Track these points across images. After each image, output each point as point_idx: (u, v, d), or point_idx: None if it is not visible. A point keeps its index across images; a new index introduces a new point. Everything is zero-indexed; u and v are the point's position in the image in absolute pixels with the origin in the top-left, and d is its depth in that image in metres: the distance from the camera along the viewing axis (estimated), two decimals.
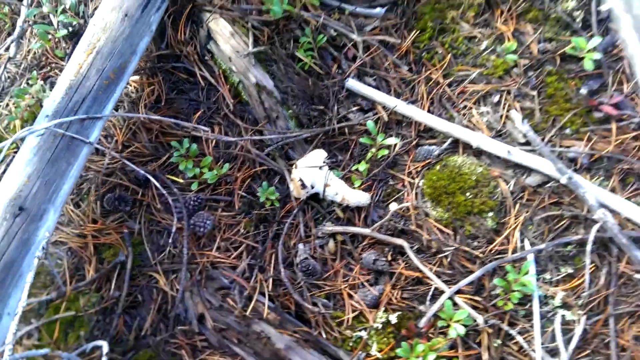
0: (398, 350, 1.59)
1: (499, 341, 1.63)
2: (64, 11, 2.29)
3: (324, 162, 1.82)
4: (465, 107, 1.97)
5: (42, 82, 2.17)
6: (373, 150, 1.93)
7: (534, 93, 1.92)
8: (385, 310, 1.70)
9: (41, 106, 2.07)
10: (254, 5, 2.08)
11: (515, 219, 1.75)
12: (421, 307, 1.69)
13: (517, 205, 1.78)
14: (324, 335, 1.72)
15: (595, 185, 1.76)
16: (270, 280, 1.80)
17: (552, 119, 1.88)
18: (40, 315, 1.82)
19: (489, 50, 2.01)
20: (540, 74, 1.95)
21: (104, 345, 1.42)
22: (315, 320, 1.74)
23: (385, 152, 1.92)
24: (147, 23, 1.91)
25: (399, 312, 1.68)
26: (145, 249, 1.89)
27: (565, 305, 1.66)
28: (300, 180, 1.80)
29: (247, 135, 2.01)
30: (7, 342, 1.07)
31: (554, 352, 1.63)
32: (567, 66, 1.94)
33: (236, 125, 2.05)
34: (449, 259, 1.73)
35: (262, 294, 1.78)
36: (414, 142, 1.96)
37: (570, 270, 1.70)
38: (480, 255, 1.72)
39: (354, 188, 1.89)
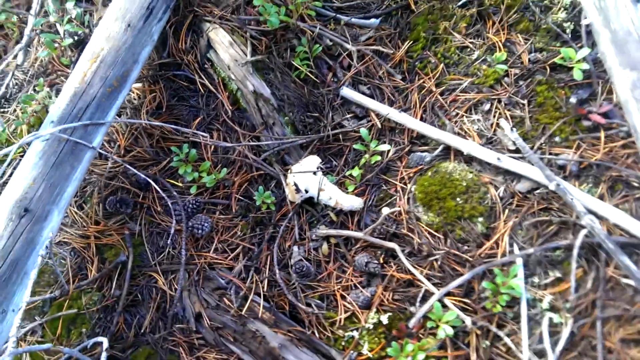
0: (388, 350, 1.63)
1: (488, 342, 1.67)
2: (69, 21, 2.37)
3: (317, 168, 1.88)
4: (456, 115, 2.02)
5: (48, 89, 2.25)
6: (366, 156, 1.99)
7: (524, 102, 1.97)
8: (377, 311, 1.75)
9: (47, 112, 2.14)
10: (253, 16, 2.16)
11: (505, 224, 1.80)
12: (412, 309, 1.73)
13: (507, 211, 1.82)
14: (317, 335, 1.76)
15: (584, 192, 1.80)
16: (266, 281, 1.85)
17: (542, 127, 1.93)
18: (44, 312, 1.89)
19: (481, 60, 2.07)
20: (530, 83, 2.00)
21: (104, 341, 1.48)
22: (308, 320, 1.79)
23: (378, 158, 1.97)
24: (149, 33, 1.99)
25: (390, 313, 1.73)
26: (145, 250, 1.95)
27: (553, 309, 1.70)
28: (295, 184, 1.85)
29: (245, 141, 2.08)
30: (10, 334, 1.13)
31: (541, 353, 1.66)
32: (557, 76, 1.99)
33: (234, 131, 2.12)
34: (439, 262, 1.78)
35: (258, 294, 1.83)
36: (407, 149, 2.02)
37: (558, 275, 1.74)
38: (470, 258, 1.77)
39: (348, 193, 1.94)
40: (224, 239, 1.95)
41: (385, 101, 2.11)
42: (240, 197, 2.01)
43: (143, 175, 1.86)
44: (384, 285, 1.80)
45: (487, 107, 2.00)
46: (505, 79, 2.03)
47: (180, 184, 2.04)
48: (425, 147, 2.01)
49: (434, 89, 2.08)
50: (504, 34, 2.09)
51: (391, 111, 2.00)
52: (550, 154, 1.87)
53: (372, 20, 2.23)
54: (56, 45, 2.37)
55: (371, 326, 1.71)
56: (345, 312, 1.78)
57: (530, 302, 1.70)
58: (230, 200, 2.01)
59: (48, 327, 1.86)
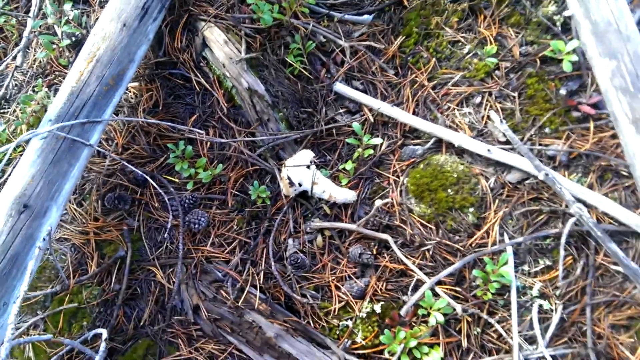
0: (381, 338, 1.67)
1: (479, 329, 1.70)
2: (67, 22, 2.41)
3: (311, 162, 1.91)
4: (448, 108, 2.05)
5: (46, 89, 2.29)
6: (359, 150, 2.02)
7: (515, 94, 2.00)
8: (370, 301, 1.79)
9: (46, 111, 2.18)
10: (247, 14, 2.19)
11: (495, 214, 1.83)
12: (404, 298, 1.77)
13: (497, 201, 1.85)
14: (312, 325, 1.80)
15: (574, 181, 1.83)
16: (262, 273, 1.89)
17: (532, 118, 1.95)
18: (46, 307, 1.93)
19: (472, 54, 2.10)
20: (521, 76, 2.02)
21: (104, 332, 1.52)
22: (304, 310, 1.83)
23: (371, 151, 2.00)
24: (145, 32, 2.03)
25: (383, 303, 1.76)
26: (143, 245, 1.99)
27: (542, 296, 1.73)
28: (289, 178, 1.89)
29: (240, 137, 2.11)
30: (9, 321, 1.17)
31: (532, 340, 1.70)
32: (548, 68, 2.02)
33: (230, 127, 2.16)
34: (431, 252, 1.81)
35: (254, 286, 1.87)
36: (400, 142, 2.05)
37: (548, 263, 1.77)
38: (461, 248, 1.80)
39: (341, 186, 1.98)
40: (220, 233, 1.99)
41: (378, 96, 2.14)
42: (236, 192, 2.05)
43: (140, 172, 1.90)
44: (377, 275, 1.84)
45: (478, 100, 2.02)
46: (496, 72, 2.05)
47: (177, 180, 2.08)
48: (418, 141, 2.05)
49: (426, 83, 2.11)
50: (495, 28, 2.12)
51: (383, 105, 2.03)
52: (540, 144, 1.90)
53: (365, 16, 2.26)
54: (54, 46, 2.42)
55: (365, 315, 1.75)
56: (340, 302, 1.81)
57: (521, 290, 1.73)
58: (227, 195, 2.05)
59: (50, 321, 1.90)
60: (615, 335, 1.68)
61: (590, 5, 1.20)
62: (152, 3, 2.05)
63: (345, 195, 1.92)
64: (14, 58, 2.44)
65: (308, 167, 1.91)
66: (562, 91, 1.93)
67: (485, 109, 2.00)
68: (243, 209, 2.03)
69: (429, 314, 1.67)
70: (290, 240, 1.94)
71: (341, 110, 2.14)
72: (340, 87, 2.13)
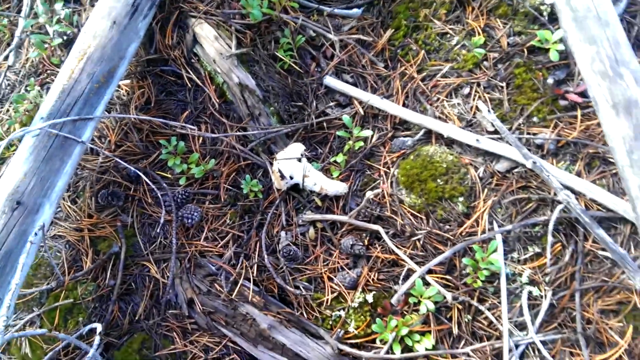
0: (373, 327, 1.69)
1: (470, 317, 1.73)
2: (58, 21, 2.43)
3: (301, 155, 1.93)
4: (437, 99, 2.07)
5: (39, 88, 2.30)
6: (350, 142, 2.04)
7: (503, 84, 2.02)
8: (363, 291, 1.81)
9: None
10: (237, 10, 2.20)
11: (485, 203, 1.85)
12: (396, 287, 1.79)
13: (486, 190, 1.87)
14: (306, 315, 1.82)
15: (562, 169, 1.85)
16: (255, 266, 1.91)
17: (520, 108, 1.97)
18: (42, 303, 1.95)
19: (460, 45, 2.11)
20: (509, 66, 2.04)
21: (98, 327, 1.54)
22: (297, 301, 1.85)
23: (362, 144, 2.02)
24: (135, 30, 2.04)
25: (375, 292, 1.78)
26: (137, 240, 2.01)
27: (532, 282, 1.75)
28: (280, 171, 1.91)
29: (232, 132, 2.13)
30: (1, 313, 1.18)
31: (522, 326, 1.72)
32: (535, 58, 2.03)
33: (222, 123, 2.17)
34: (421, 242, 1.83)
35: (247, 279, 1.89)
36: (390, 134, 2.06)
37: (537, 250, 1.79)
38: (451, 237, 1.82)
39: (333, 178, 1.99)
40: (213, 227, 2.01)
41: (368, 89, 2.15)
42: (229, 187, 2.07)
43: (133, 169, 1.92)
44: (369, 266, 1.86)
45: (466, 90, 2.04)
46: (485, 62, 2.07)
47: (169, 176, 2.10)
48: (408, 132, 2.06)
49: (415, 75, 2.12)
50: (483, 19, 2.13)
51: (372, 98, 2.05)
52: (528, 133, 1.92)
53: (355, 10, 2.27)
54: (46, 45, 2.43)
55: (357, 305, 1.77)
56: (332, 292, 1.83)
57: (510, 277, 1.75)
58: (219, 189, 2.06)
59: (46, 317, 1.92)
60: (604, 320, 1.70)
61: None
62: (142, 0, 2.06)
63: (336, 187, 1.94)
64: (6, 58, 2.45)
65: (299, 160, 1.92)
66: (550, 80, 1.95)
67: (473, 99, 2.02)
68: (236, 203, 2.04)
69: (419, 303, 1.69)
70: (282, 233, 1.96)
71: (331, 104, 2.15)
72: (330, 80, 2.14)
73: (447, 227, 1.85)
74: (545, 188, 1.84)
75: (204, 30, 2.20)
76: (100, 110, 1.91)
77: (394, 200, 1.93)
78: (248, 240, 1.97)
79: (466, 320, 1.72)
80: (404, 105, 2.09)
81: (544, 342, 1.68)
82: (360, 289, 1.82)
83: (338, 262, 1.89)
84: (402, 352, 1.67)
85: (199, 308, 1.86)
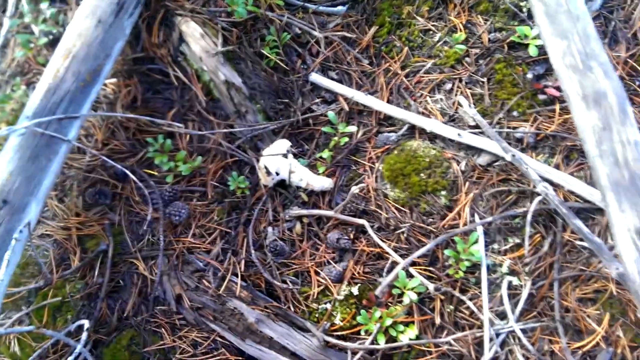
0: (358, 318, 1.73)
1: (452, 307, 1.77)
2: (44, 21, 2.43)
3: (287, 151, 1.95)
4: (421, 95, 2.11)
5: (25, 88, 2.31)
6: (335, 138, 2.07)
7: (484, 80, 2.06)
8: (349, 284, 1.84)
9: None
10: (222, 8, 2.22)
11: (466, 196, 1.89)
12: (380, 279, 1.82)
13: (468, 183, 1.91)
14: (293, 309, 1.85)
15: (541, 162, 1.90)
16: (243, 261, 1.94)
17: (501, 102, 2.01)
18: (30, 302, 1.96)
19: (442, 41, 2.15)
20: (490, 61, 2.08)
21: (86, 323, 1.56)
22: (284, 295, 1.88)
23: (347, 139, 2.05)
24: (121, 28, 2.05)
25: (360, 285, 1.82)
26: (125, 238, 2.02)
27: (512, 272, 1.80)
28: (265, 167, 1.93)
29: (219, 129, 2.15)
30: None
31: (503, 315, 1.76)
32: (515, 53, 2.08)
33: (209, 121, 2.19)
34: (405, 235, 1.87)
35: (235, 274, 1.91)
36: (375, 130, 2.10)
37: (517, 241, 1.84)
38: (434, 230, 1.86)
39: (319, 174, 2.03)
40: (201, 224, 2.03)
41: (354, 85, 2.19)
42: (216, 184, 2.09)
43: (120, 167, 1.93)
44: (355, 259, 1.89)
45: (449, 86, 2.08)
46: (466, 58, 2.11)
47: (157, 174, 2.11)
48: (392, 128, 2.10)
49: (399, 71, 2.16)
50: (464, 15, 2.17)
51: (356, 94, 2.08)
52: (508, 127, 1.96)
53: (339, 7, 2.30)
54: (32, 45, 2.43)
55: (343, 298, 1.80)
56: (319, 286, 1.87)
57: (491, 267, 1.80)
58: (207, 187, 2.08)
59: (34, 315, 1.93)
60: (582, 308, 1.76)
61: None
62: None
63: (322, 183, 1.97)
64: None
65: (285, 156, 1.95)
66: (529, 75, 2.00)
67: (455, 94, 2.06)
68: (223, 200, 2.07)
69: (403, 294, 1.73)
70: (269, 229, 1.99)
71: (317, 100, 2.18)
72: (315, 77, 2.17)
73: (430, 220, 1.89)
74: (525, 181, 1.89)
75: (190, 28, 2.21)
76: (86, 108, 1.92)
77: (379, 195, 1.97)
78: (235, 236, 2.00)
79: (448, 310, 1.76)
80: (388, 101, 2.12)
81: (523, 331, 1.72)
82: (346, 282, 1.85)
83: (324, 256, 1.92)
84: (387, 342, 1.71)
85: (187, 304, 1.89)
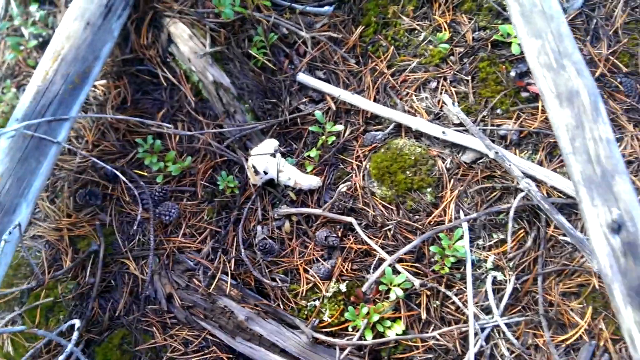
0: (346, 315, 1.76)
1: (438, 302, 1.80)
2: (34, 23, 2.44)
3: (275, 150, 1.98)
4: (407, 94, 2.14)
5: (15, 90, 2.32)
6: (323, 137, 2.09)
7: (468, 78, 2.09)
8: (337, 281, 1.87)
9: None
10: (210, 9, 2.24)
11: (451, 193, 1.92)
12: (368, 276, 1.85)
13: (453, 180, 1.94)
14: (282, 306, 1.88)
15: (524, 158, 1.93)
16: (232, 260, 1.96)
17: (485, 100, 2.05)
18: (22, 303, 1.98)
19: (427, 41, 2.18)
20: (474, 60, 2.11)
21: (77, 322, 1.58)
22: (274, 293, 1.91)
23: (334, 138, 2.08)
24: (109, 30, 2.07)
25: (349, 281, 1.85)
26: (116, 239, 2.05)
27: (497, 267, 1.83)
28: (253, 167, 1.96)
29: (208, 129, 2.17)
30: None
31: (488, 310, 1.80)
32: (499, 52, 2.11)
33: (198, 121, 2.21)
34: (392, 232, 1.90)
35: (225, 273, 1.94)
36: (362, 129, 2.13)
37: (501, 236, 1.87)
38: (420, 227, 1.89)
39: (307, 173, 2.05)
40: (191, 223, 2.05)
41: (341, 85, 2.21)
42: (206, 184, 2.11)
43: (110, 168, 1.95)
44: (343, 256, 1.92)
45: (434, 85, 2.11)
46: (451, 57, 2.14)
47: (147, 174, 2.14)
48: (379, 126, 2.13)
49: (385, 70, 2.18)
50: (449, 14, 2.20)
51: (343, 93, 2.10)
52: (492, 125, 1.99)
53: (326, 7, 2.33)
54: (22, 47, 2.44)
55: (331, 295, 1.83)
56: (308, 283, 1.89)
57: (476, 263, 1.83)
58: (196, 186, 2.11)
59: (27, 316, 1.95)
60: (566, 302, 1.79)
61: None
62: (115, 1, 2.09)
63: (310, 181, 2.00)
64: None
65: (273, 155, 1.97)
66: (512, 73, 2.03)
67: (440, 93, 2.09)
68: (213, 199, 2.09)
69: (389, 290, 1.76)
70: (259, 227, 2.01)
71: (305, 100, 2.21)
72: (303, 77, 2.20)
73: (417, 217, 1.92)
74: (508, 177, 1.92)
75: (179, 30, 2.23)
76: (75, 110, 1.94)
77: (366, 193, 1.99)
78: (225, 235, 2.02)
79: (435, 305, 1.80)
80: (375, 100, 2.15)
81: (508, 325, 1.76)
82: (334, 279, 1.88)
83: (313, 254, 1.95)
84: (374, 338, 1.74)
85: (178, 303, 1.91)
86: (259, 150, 1.99)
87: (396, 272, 1.80)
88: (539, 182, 1.87)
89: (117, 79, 2.29)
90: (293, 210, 2.00)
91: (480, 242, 1.87)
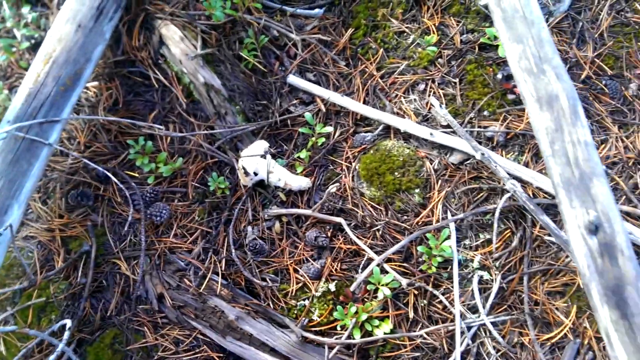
0: (335, 314, 1.78)
1: (425, 301, 1.83)
2: (26, 25, 2.45)
3: (265, 151, 2.00)
4: (396, 96, 2.16)
5: (7, 92, 2.33)
6: (313, 139, 2.12)
7: (456, 80, 2.12)
8: (326, 281, 1.89)
9: None
10: (201, 11, 2.26)
11: (439, 194, 1.95)
12: (357, 276, 1.88)
13: (440, 181, 1.97)
14: (272, 306, 1.90)
15: (511, 160, 1.96)
16: (223, 260, 1.98)
17: (472, 102, 2.08)
18: (15, 303, 1.99)
19: (416, 43, 2.21)
20: (461, 62, 2.14)
21: (68, 322, 1.60)
22: (264, 293, 1.93)
23: (324, 140, 2.10)
24: (101, 32, 2.08)
25: (338, 281, 1.87)
26: (108, 239, 2.07)
27: (483, 267, 1.86)
28: (244, 168, 1.98)
29: (199, 131, 2.19)
30: None
31: (474, 309, 1.83)
32: (486, 54, 2.14)
33: (189, 122, 2.23)
34: (381, 232, 1.92)
35: (216, 273, 1.96)
36: (351, 130, 2.15)
37: (488, 237, 1.90)
38: (409, 227, 1.92)
39: (297, 174, 2.08)
40: (182, 224, 2.07)
41: (331, 87, 2.24)
42: (197, 185, 2.13)
43: (102, 169, 1.97)
44: (332, 256, 1.94)
45: (422, 87, 2.14)
46: (439, 59, 2.17)
47: (138, 175, 2.15)
48: (369, 128, 2.15)
49: (375, 73, 2.21)
50: (437, 17, 2.23)
51: (333, 95, 2.13)
52: (479, 127, 2.02)
53: (317, 10, 2.35)
54: (14, 49, 2.45)
55: (320, 294, 1.86)
56: (298, 283, 1.92)
57: (463, 262, 1.86)
58: (187, 187, 2.13)
59: (19, 316, 1.97)
60: (551, 301, 1.82)
61: None
62: (107, 3, 2.11)
63: (300, 182, 2.02)
64: None
65: (263, 156, 2.00)
66: (499, 75, 2.06)
67: (429, 95, 2.12)
68: (204, 200, 2.11)
69: (378, 289, 1.79)
70: (249, 228, 2.04)
71: (295, 102, 2.23)
72: (293, 79, 2.22)
73: (405, 217, 1.95)
74: (495, 178, 1.95)
75: (170, 32, 2.25)
76: (67, 112, 1.95)
77: (355, 194, 2.02)
78: (216, 235, 2.05)
79: (422, 304, 1.83)
80: (364, 102, 2.17)
81: (494, 324, 1.79)
82: (323, 279, 1.91)
83: (303, 254, 1.97)
84: (362, 336, 1.77)
85: (169, 302, 1.93)
86: (250, 152, 2.01)
87: (384, 271, 1.83)
88: (524, 183, 1.91)
89: (109, 80, 2.31)
90: (283, 210, 2.03)
91: (467, 242, 1.90)
